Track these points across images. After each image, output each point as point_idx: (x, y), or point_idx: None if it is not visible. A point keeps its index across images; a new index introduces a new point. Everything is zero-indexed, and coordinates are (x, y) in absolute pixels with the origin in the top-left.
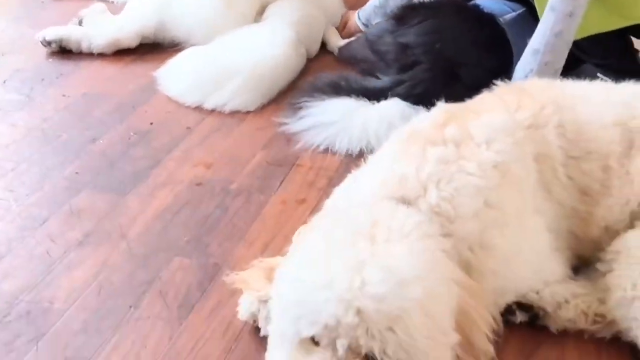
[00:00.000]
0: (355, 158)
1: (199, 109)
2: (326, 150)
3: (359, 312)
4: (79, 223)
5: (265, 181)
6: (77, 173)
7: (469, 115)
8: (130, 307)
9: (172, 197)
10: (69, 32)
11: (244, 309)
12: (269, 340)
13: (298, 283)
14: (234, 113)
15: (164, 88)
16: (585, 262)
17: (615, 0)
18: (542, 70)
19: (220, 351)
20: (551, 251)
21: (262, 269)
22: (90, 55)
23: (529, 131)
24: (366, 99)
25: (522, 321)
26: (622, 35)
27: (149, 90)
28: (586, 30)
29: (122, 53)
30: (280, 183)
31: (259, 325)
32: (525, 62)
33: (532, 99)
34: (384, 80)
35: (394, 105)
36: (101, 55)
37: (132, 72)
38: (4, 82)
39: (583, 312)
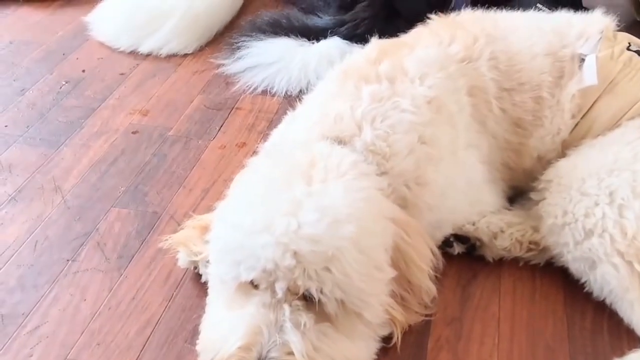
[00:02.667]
0: (295, 99)
1: (133, 54)
2: (265, 92)
3: (295, 254)
4: (10, 178)
5: (204, 126)
6: (6, 126)
7: (403, 50)
8: (68, 260)
9: (107, 146)
10: None
11: (184, 257)
12: (209, 284)
13: (236, 227)
14: (170, 57)
15: (95, 33)
16: (519, 192)
17: None
18: None
19: (162, 299)
20: (486, 183)
21: (197, 229)
22: (15, 1)
23: (461, 64)
24: (306, 38)
25: (460, 252)
26: None
27: (79, 36)
28: None
29: None
30: (220, 127)
31: (200, 272)
32: None
33: (465, 32)
34: (325, 20)
35: (333, 44)
36: (28, 1)
37: (61, 17)
38: None
39: (518, 240)
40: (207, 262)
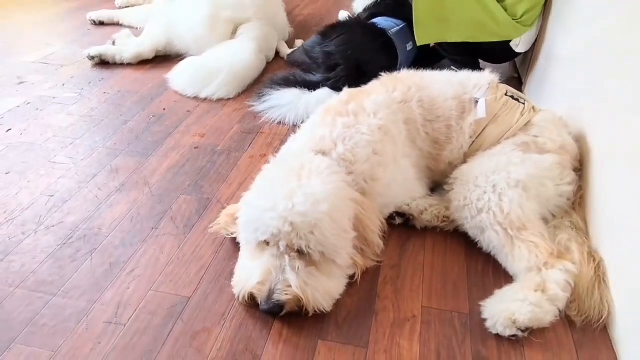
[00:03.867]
0: (297, 127)
1: (195, 98)
2: (280, 123)
3: (292, 224)
4: (117, 177)
5: (240, 144)
6: (115, 144)
7: (363, 95)
8: (152, 228)
9: (179, 156)
10: (106, 49)
11: (225, 231)
12: (240, 244)
13: (255, 207)
14: (219, 100)
15: (172, 85)
16: (437, 185)
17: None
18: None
19: (211, 253)
20: (415, 179)
21: (229, 216)
22: (121, 65)
23: (400, 104)
24: (306, 89)
25: (399, 223)
26: (467, 42)
27: (162, 87)
28: (458, 37)
29: (143, 63)
30: (249, 144)
31: (235, 236)
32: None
33: (403, 84)
34: (317, 77)
35: (324, 93)
36: (129, 65)
37: (151, 75)
38: (63, 85)
39: (436, 215)
40: (239, 231)
